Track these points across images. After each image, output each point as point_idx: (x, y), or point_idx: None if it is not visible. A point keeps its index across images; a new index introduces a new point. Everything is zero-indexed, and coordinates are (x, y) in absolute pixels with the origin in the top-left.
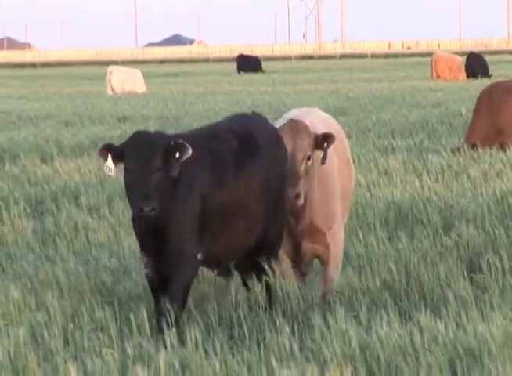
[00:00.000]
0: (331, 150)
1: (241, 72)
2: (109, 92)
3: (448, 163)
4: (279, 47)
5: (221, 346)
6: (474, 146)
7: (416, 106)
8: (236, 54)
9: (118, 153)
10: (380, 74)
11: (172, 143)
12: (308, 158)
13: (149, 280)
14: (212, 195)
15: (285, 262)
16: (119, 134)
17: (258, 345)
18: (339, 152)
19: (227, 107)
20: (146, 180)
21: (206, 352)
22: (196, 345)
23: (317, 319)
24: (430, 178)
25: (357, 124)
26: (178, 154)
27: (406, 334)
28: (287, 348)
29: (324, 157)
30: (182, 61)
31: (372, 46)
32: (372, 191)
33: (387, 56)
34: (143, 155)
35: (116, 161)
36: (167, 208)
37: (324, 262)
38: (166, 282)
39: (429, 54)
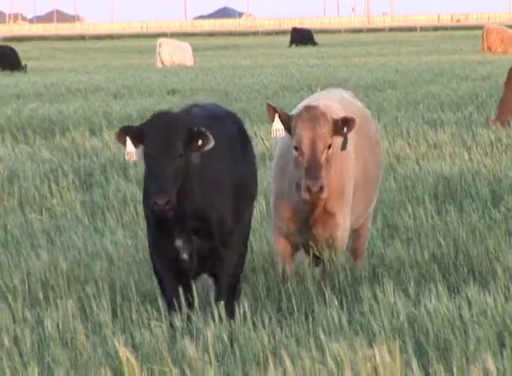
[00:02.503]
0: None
1: (293, 45)
2: (159, 65)
3: (498, 136)
4: (328, 20)
5: (270, 319)
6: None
7: (466, 80)
8: (284, 27)
9: (138, 134)
10: (429, 47)
11: (196, 129)
12: (329, 147)
13: (178, 266)
14: (233, 172)
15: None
16: (168, 107)
17: (307, 318)
18: (365, 132)
19: (276, 80)
20: (164, 170)
21: (254, 324)
22: (245, 318)
23: (365, 293)
24: (479, 152)
25: (406, 98)
26: (200, 142)
27: (455, 308)
28: (336, 321)
29: (344, 143)
30: (230, 34)
31: (421, 19)
32: (421, 164)
33: (436, 29)
34: (164, 140)
35: (136, 144)
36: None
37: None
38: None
39: (478, 27)
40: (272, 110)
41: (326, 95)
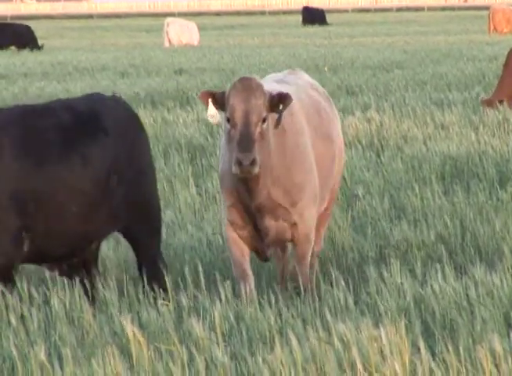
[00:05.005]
0: (303, 120)
1: (304, 24)
2: (166, 44)
3: (505, 117)
4: (335, 0)
5: (276, 299)
6: (501, 103)
7: (473, 60)
8: (292, 7)
9: None
10: (436, 28)
11: None
12: (263, 120)
13: None
14: (24, 177)
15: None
16: (175, 86)
17: (313, 298)
18: (314, 124)
19: (283, 60)
20: None
21: (260, 304)
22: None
23: (372, 273)
24: (486, 132)
25: (413, 78)
26: None
27: (461, 288)
28: (342, 301)
29: (278, 120)
30: (238, 13)
31: None
32: (428, 145)
33: (443, 9)
34: None
35: None
36: None
37: (294, 243)
38: None
39: (486, 7)
40: (206, 96)
41: (283, 78)
